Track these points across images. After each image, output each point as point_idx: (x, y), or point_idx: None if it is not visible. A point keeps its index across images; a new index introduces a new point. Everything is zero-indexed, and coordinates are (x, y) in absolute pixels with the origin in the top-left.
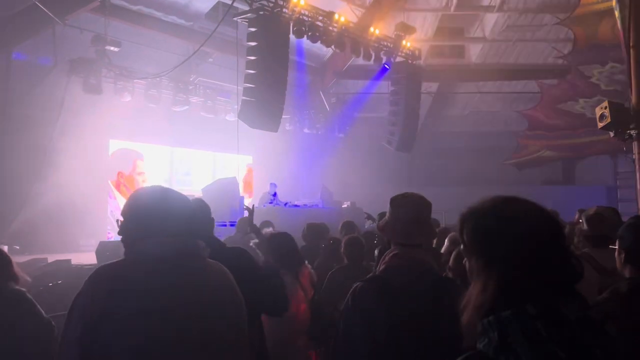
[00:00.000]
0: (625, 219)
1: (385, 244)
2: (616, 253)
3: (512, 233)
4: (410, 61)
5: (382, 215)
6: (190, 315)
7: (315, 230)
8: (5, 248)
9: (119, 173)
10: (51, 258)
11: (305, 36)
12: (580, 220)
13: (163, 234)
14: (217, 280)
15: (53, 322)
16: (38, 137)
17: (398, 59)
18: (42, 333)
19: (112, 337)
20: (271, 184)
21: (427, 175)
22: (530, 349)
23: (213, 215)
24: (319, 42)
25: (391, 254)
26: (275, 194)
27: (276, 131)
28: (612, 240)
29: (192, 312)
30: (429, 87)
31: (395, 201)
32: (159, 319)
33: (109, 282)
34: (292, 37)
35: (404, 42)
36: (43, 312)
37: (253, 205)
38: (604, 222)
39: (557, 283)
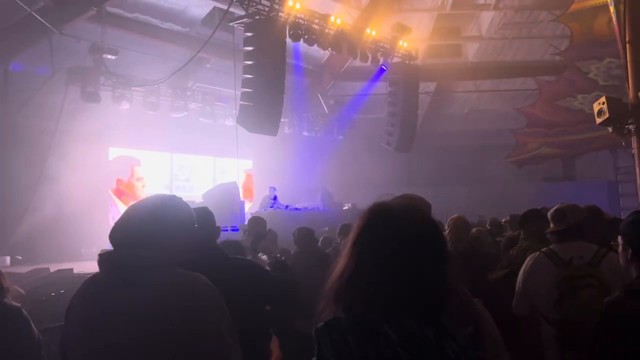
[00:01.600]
0: (627, 214)
1: None
2: (620, 249)
3: (371, 236)
4: (407, 61)
5: (346, 227)
6: (116, 330)
7: (306, 235)
8: (8, 259)
9: (117, 180)
10: (53, 268)
11: (301, 39)
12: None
13: (134, 246)
14: (161, 297)
15: (42, 339)
16: (37, 147)
17: (395, 60)
18: (34, 351)
19: (65, 348)
20: (271, 187)
21: (427, 175)
22: None
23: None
24: (316, 45)
25: None
26: (275, 198)
27: (275, 135)
28: (575, 236)
29: (118, 327)
30: (427, 86)
31: None
32: (90, 334)
33: (75, 294)
34: (288, 40)
35: (400, 42)
36: (35, 329)
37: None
38: (567, 218)
39: (391, 298)
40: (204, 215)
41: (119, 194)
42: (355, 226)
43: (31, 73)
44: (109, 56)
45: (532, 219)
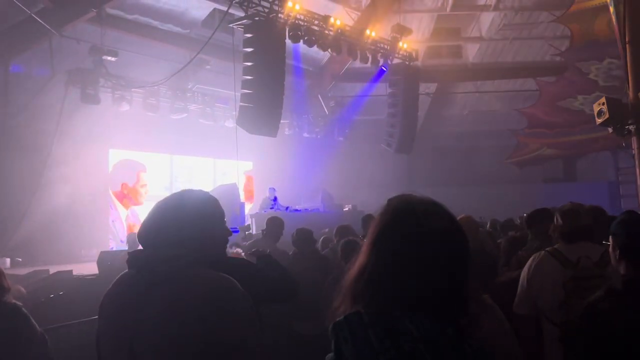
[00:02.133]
0: None
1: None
2: (610, 249)
3: (393, 233)
4: (407, 62)
5: (369, 218)
6: (142, 330)
7: (305, 236)
8: (8, 261)
9: (122, 184)
10: (53, 269)
11: (301, 40)
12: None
13: (160, 245)
14: (175, 297)
15: (46, 336)
16: (37, 149)
17: (395, 61)
18: (36, 347)
19: (99, 346)
20: (270, 188)
21: (427, 176)
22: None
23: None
24: (315, 46)
25: None
26: (275, 199)
27: (275, 136)
28: (585, 236)
29: (138, 330)
30: (427, 87)
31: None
32: (117, 333)
33: (106, 293)
34: (288, 41)
35: (400, 43)
36: (37, 326)
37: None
38: (580, 218)
39: (415, 295)
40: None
41: (121, 197)
42: (376, 221)
43: (31, 75)
44: (109, 58)
45: (540, 219)
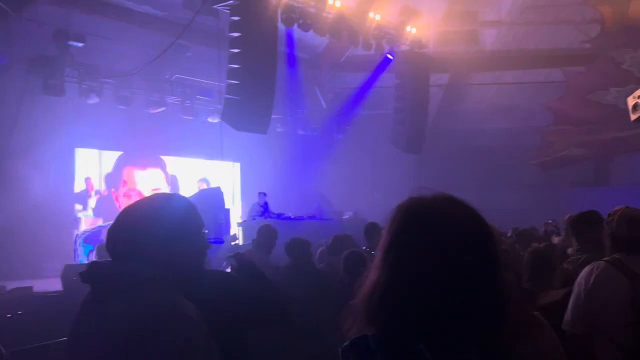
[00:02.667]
0: None
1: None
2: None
3: (406, 241)
4: (416, 50)
5: (373, 227)
6: (85, 352)
7: (300, 248)
8: None
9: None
10: (10, 286)
11: (295, 24)
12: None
13: (121, 257)
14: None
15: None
16: None
17: (402, 48)
18: None
19: None
20: (260, 193)
21: (439, 179)
22: None
23: None
24: (312, 30)
25: None
26: (266, 205)
27: (265, 133)
28: None
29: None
30: (439, 78)
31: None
32: (71, 352)
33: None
34: (281, 26)
35: (408, 28)
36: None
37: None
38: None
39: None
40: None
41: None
42: (386, 229)
43: None
44: (75, 43)
45: (589, 225)
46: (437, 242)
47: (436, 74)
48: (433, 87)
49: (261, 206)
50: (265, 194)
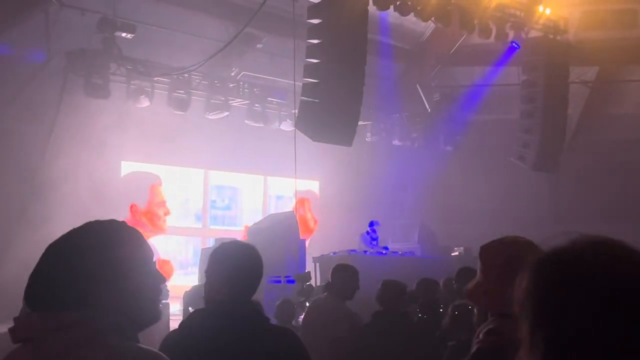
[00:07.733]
0: None
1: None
2: None
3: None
4: (551, 36)
5: (465, 273)
6: None
7: (393, 291)
8: None
9: (132, 206)
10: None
11: (391, 7)
12: None
13: (53, 305)
14: None
15: None
16: (24, 159)
17: (533, 34)
18: None
19: None
20: (373, 222)
21: (581, 207)
22: None
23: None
24: (412, 14)
25: (486, 329)
26: (376, 237)
27: (350, 145)
28: None
29: None
30: (584, 73)
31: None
32: None
33: None
34: (372, 9)
35: (541, 8)
36: None
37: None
38: None
39: None
40: (247, 257)
41: (132, 224)
42: (525, 295)
43: (20, 58)
44: (124, 34)
45: None
46: (603, 310)
47: (579, 68)
48: (574, 84)
49: (373, 238)
50: (377, 222)
